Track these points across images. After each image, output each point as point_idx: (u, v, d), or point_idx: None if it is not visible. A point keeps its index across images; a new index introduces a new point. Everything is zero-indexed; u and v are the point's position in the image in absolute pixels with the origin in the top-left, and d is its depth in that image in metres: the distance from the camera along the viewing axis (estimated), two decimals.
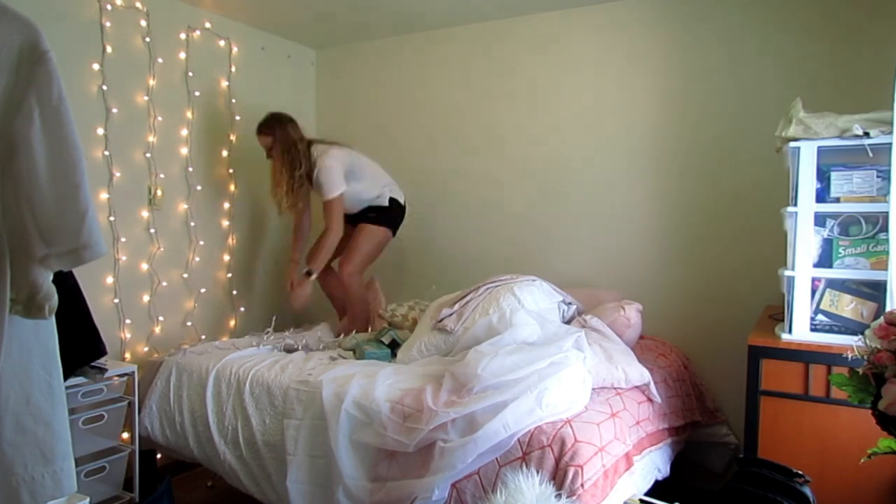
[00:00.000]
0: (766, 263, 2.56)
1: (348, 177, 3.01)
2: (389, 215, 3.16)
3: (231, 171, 3.36)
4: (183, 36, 3.09)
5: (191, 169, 3.14)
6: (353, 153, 3.10)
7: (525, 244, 3.29)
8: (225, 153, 3.33)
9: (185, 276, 3.13)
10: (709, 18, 2.80)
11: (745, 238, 2.74)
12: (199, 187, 3.17)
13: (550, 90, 3.19)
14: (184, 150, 3.11)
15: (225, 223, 3.35)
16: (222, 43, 3.29)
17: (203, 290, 3.21)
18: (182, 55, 3.08)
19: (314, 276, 3.02)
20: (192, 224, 3.15)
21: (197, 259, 3.18)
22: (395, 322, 3.02)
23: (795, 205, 1.99)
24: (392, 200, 3.15)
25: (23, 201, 1.22)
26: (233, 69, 3.35)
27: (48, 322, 1.35)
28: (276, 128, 3.01)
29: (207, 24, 3.20)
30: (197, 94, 3.15)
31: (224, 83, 3.31)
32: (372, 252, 3.16)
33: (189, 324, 3.15)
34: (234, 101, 3.35)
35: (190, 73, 3.11)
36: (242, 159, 3.41)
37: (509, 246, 3.33)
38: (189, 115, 3.12)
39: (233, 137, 3.36)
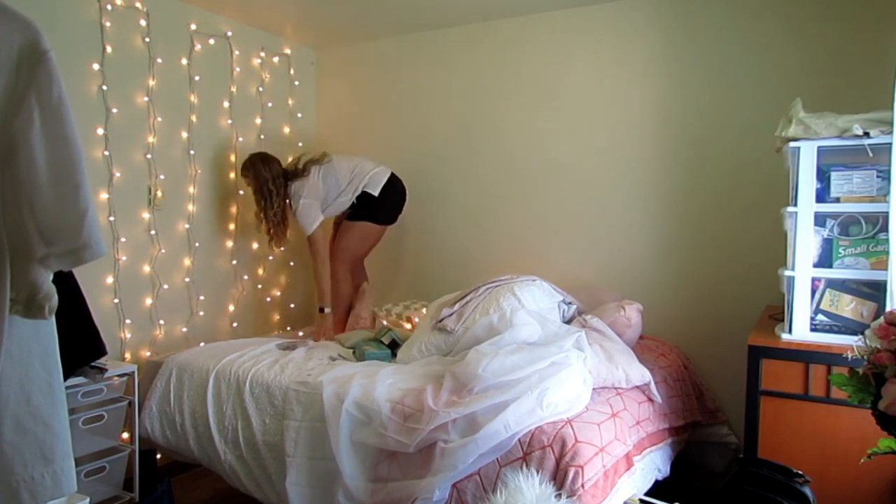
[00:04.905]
0: (766, 263, 2.56)
1: (328, 197, 3.15)
2: (361, 209, 3.20)
3: (232, 174, 3.36)
4: (183, 36, 3.09)
5: (191, 170, 3.14)
6: (332, 167, 3.16)
7: (525, 244, 3.29)
8: (226, 154, 3.33)
9: (187, 279, 3.13)
10: (709, 18, 2.80)
11: (746, 238, 2.74)
12: (199, 189, 3.17)
13: (551, 89, 3.19)
14: (184, 152, 3.11)
15: (226, 226, 3.35)
16: (223, 43, 3.29)
17: (202, 292, 3.21)
18: (182, 55, 3.08)
19: (328, 310, 3.13)
20: (193, 226, 3.15)
21: (197, 261, 3.18)
22: (389, 321, 3.02)
23: (795, 205, 1.99)
24: (362, 195, 3.17)
25: (23, 201, 1.22)
26: (234, 69, 3.35)
27: (48, 322, 1.35)
28: (250, 169, 3.10)
29: (208, 24, 3.20)
30: (197, 94, 3.15)
31: (225, 83, 3.31)
32: (351, 246, 3.24)
33: (189, 326, 3.15)
34: (234, 101, 3.35)
35: (190, 74, 3.11)
36: (244, 160, 3.41)
37: (509, 245, 3.33)
38: (189, 115, 3.12)
39: (234, 138, 3.36)
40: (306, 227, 3.08)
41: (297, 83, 3.73)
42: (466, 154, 3.44)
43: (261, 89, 3.51)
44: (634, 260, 3.01)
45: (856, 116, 1.92)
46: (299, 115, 3.77)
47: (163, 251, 3.01)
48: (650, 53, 2.93)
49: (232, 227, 3.37)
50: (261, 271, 3.55)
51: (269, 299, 3.60)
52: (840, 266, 1.96)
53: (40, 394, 1.33)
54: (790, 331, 2.00)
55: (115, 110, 2.78)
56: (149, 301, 2.97)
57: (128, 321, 2.87)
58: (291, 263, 3.73)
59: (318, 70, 3.90)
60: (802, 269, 1.99)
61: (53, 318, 1.35)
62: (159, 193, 2.98)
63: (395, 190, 3.24)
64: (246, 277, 3.46)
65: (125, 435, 2.57)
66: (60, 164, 1.23)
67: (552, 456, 1.79)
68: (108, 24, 2.74)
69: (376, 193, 3.16)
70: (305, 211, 3.07)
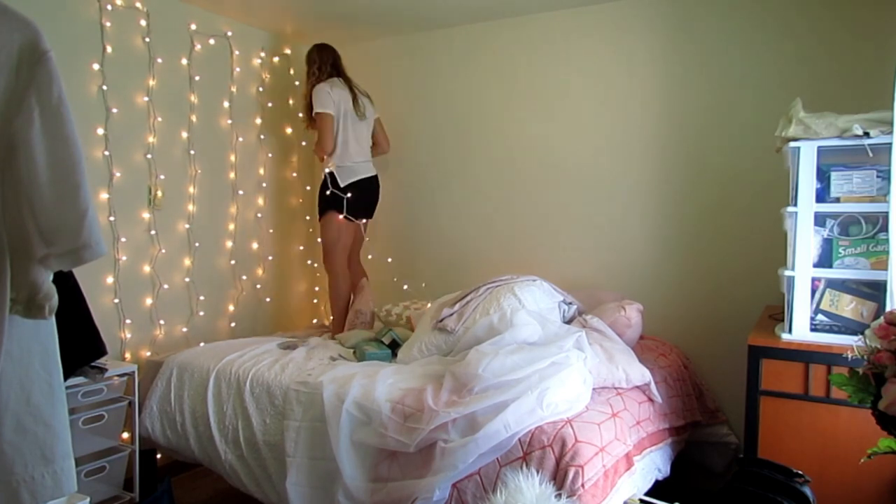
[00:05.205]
0: (766, 263, 2.56)
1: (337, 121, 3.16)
2: (324, 196, 3.20)
3: (232, 174, 3.36)
4: (183, 36, 3.09)
5: (191, 170, 3.14)
6: (351, 114, 3.17)
7: (526, 244, 3.29)
8: (226, 154, 3.33)
9: (187, 279, 3.13)
10: (709, 19, 2.80)
11: (745, 238, 2.74)
12: (199, 189, 3.17)
13: (551, 89, 3.19)
14: (184, 152, 3.11)
15: (226, 226, 3.35)
16: (223, 43, 3.29)
17: (202, 292, 3.21)
18: (182, 55, 3.08)
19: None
20: (193, 226, 3.15)
21: (197, 261, 3.18)
22: (389, 322, 3.02)
23: (795, 205, 1.99)
24: (328, 176, 3.16)
25: (23, 201, 1.22)
26: (234, 69, 3.35)
27: (48, 322, 1.35)
28: (309, 52, 3.27)
29: (208, 24, 3.20)
30: (197, 94, 3.15)
31: (225, 83, 3.30)
32: (329, 240, 3.22)
33: (189, 326, 3.15)
34: (234, 101, 3.35)
35: (190, 74, 3.11)
36: (244, 160, 3.41)
37: (509, 245, 3.33)
38: (189, 115, 3.12)
39: (234, 138, 3.36)
40: (317, 104, 3.12)
41: (297, 83, 3.73)
42: (466, 154, 3.44)
43: (261, 89, 3.51)
44: (634, 260, 3.01)
45: (856, 116, 1.92)
46: (300, 114, 3.76)
47: (163, 251, 3.01)
48: (650, 53, 2.93)
49: (232, 227, 3.37)
50: (260, 271, 3.55)
51: (268, 299, 3.60)
52: (840, 266, 1.96)
53: (40, 394, 1.33)
54: (790, 331, 2.00)
55: (115, 110, 2.78)
56: (149, 301, 2.97)
57: (128, 321, 2.87)
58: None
59: None
60: (802, 269, 1.99)
61: (53, 318, 1.35)
62: (159, 193, 2.98)
63: (361, 192, 3.21)
64: (245, 277, 3.46)
65: (125, 435, 2.57)
66: (60, 164, 1.23)
67: (552, 456, 1.79)
68: (108, 24, 2.74)
69: (342, 184, 3.15)
70: (319, 93, 3.12)
